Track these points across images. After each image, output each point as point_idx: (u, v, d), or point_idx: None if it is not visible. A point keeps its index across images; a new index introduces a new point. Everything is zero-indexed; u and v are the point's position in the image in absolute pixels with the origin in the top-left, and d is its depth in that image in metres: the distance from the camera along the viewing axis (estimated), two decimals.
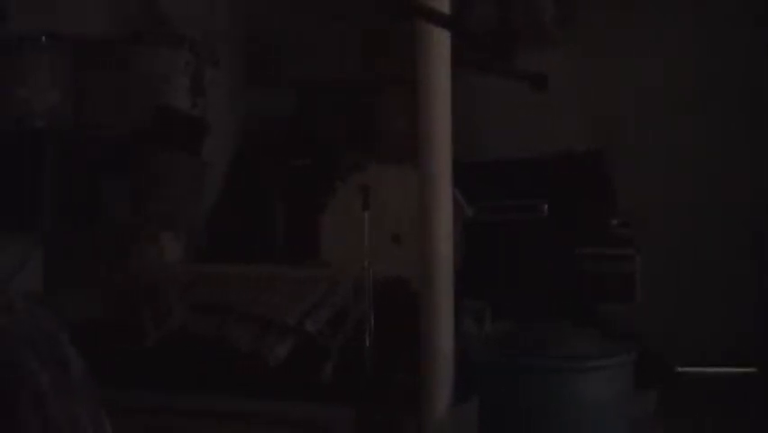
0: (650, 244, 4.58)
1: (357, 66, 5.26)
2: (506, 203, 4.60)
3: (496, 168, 4.89)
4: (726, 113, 5.06)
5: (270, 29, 5.41)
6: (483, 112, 5.04)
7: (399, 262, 3.59)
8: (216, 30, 4.79)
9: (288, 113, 5.41)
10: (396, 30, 3.90)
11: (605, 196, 4.67)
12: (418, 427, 3.04)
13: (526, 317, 3.52)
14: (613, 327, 3.84)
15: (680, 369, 4.74)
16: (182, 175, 4.16)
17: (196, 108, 4.19)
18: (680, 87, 5.11)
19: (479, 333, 3.79)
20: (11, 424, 1.08)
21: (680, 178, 5.11)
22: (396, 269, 3.58)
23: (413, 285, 3.36)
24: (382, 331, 3.21)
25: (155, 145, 3.99)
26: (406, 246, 4.08)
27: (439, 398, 2.98)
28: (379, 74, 5.13)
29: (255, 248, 4.72)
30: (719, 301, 4.98)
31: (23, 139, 3.61)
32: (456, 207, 3.35)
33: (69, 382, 1.17)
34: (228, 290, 3.78)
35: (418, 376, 3.05)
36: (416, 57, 3.01)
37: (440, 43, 2.97)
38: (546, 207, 4.51)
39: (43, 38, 3.64)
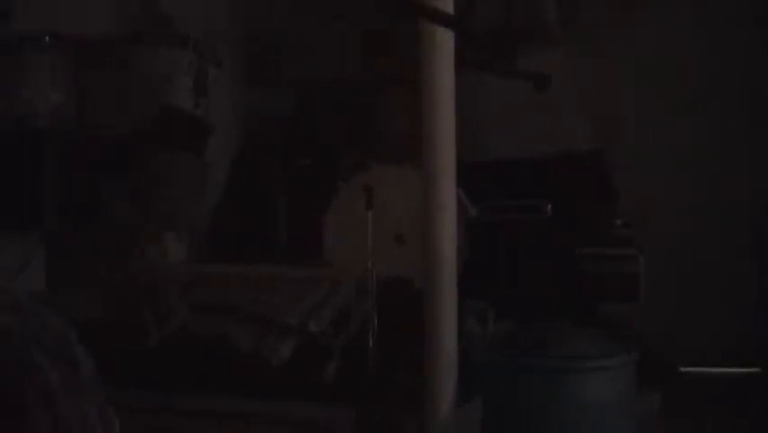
0: (650, 244, 4.59)
1: (357, 66, 5.26)
2: (508, 203, 4.59)
3: (496, 168, 4.88)
4: (727, 113, 5.06)
5: (270, 29, 5.41)
6: (484, 112, 5.04)
7: (401, 263, 3.58)
8: (216, 30, 4.79)
9: (288, 113, 5.40)
10: (396, 30, 3.89)
11: (605, 196, 4.67)
12: (419, 427, 3.03)
13: (527, 317, 3.51)
14: (614, 327, 3.85)
15: (681, 369, 4.74)
16: (183, 175, 4.15)
17: (199, 108, 4.18)
18: (680, 87, 5.11)
19: (482, 333, 3.79)
20: (21, 423, 1.07)
21: (680, 178, 5.11)
22: (397, 269, 3.57)
23: (415, 285, 3.35)
24: (384, 331, 3.21)
25: (156, 145, 3.98)
26: (408, 246, 4.08)
27: (443, 398, 2.97)
28: (379, 74, 5.13)
29: (257, 248, 4.72)
30: (720, 301, 4.98)
31: (24, 139, 3.60)
32: (460, 207, 3.35)
33: (79, 381, 1.17)
34: (229, 290, 3.77)
35: (420, 376, 3.04)
36: (419, 57, 3.00)
37: (444, 43, 2.96)
38: (550, 207, 4.51)
39: (46, 38, 3.62)
